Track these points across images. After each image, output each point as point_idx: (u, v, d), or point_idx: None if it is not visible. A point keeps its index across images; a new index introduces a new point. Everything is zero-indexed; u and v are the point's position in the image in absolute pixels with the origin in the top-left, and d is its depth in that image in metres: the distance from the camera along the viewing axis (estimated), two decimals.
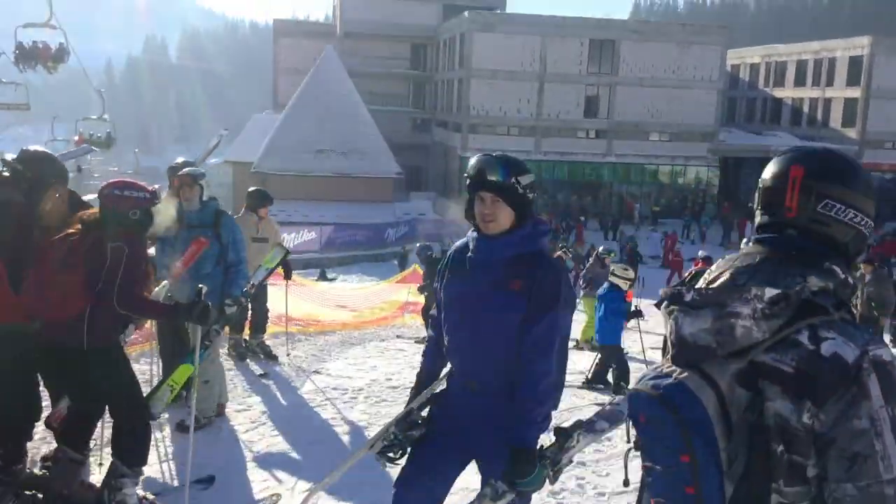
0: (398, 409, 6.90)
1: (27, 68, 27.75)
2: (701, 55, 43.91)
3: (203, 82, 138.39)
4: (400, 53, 51.74)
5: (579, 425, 3.02)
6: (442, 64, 48.89)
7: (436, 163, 49.49)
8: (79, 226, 4.23)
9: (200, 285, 4.57)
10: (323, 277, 25.81)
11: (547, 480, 2.92)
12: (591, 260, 12.99)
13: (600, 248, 13.12)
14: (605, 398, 8.12)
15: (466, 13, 43.65)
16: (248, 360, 8.14)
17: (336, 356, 9.26)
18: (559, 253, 12.00)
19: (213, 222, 5.77)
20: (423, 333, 11.39)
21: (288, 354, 8.72)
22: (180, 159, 6.54)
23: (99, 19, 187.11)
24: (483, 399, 2.96)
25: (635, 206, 42.50)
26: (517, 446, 2.82)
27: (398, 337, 11.39)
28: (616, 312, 8.91)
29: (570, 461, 3.02)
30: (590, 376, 9.02)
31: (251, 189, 8.68)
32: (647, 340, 9.81)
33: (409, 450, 3.13)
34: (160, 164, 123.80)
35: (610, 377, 8.93)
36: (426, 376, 3.25)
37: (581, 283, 12.90)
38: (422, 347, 9.79)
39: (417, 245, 12.36)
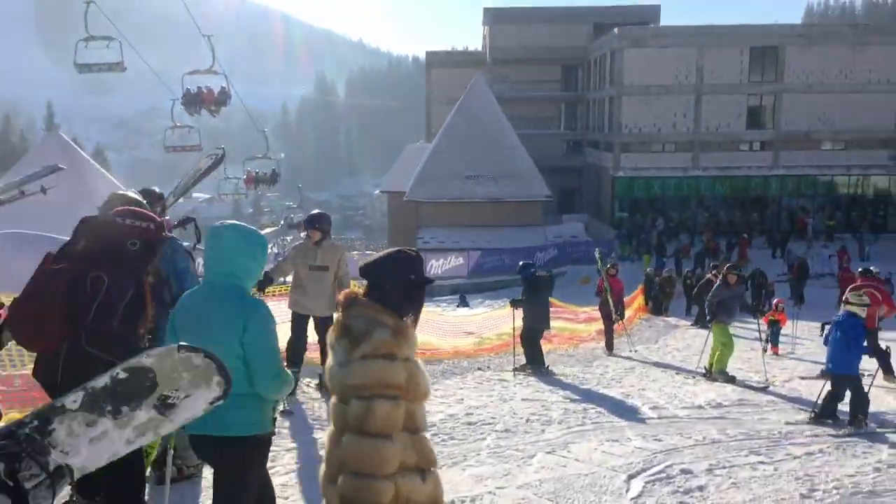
0: (464, 448, 6.37)
1: (194, 112, 29.47)
2: (878, 56, 40.29)
3: (370, 118, 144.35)
4: (550, 76, 51.21)
5: None
6: (593, 83, 47.84)
7: (588, 184, 48.35)
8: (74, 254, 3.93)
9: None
10: (463, 303, 25.55)
11: None
12: (717, 281, 11.83)
13: (726, 267, 11.96)
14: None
15: (616, 30, 42.49)
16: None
17: None
18: (726, 273, 10.96)
19: None
20: (522, 362, 10.74)
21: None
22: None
23: (274, 65, 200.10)
24: None
25: (808, 221, 39.37)
26: None
27: (504, 370, 10.76)
28: (857, 340, 8.04)
29: None
30: (817, 410, 8.22)
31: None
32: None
33: None
34: (331, 197, 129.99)
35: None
36: None
37: (707, 308, 11.80)
38: (522, 378, 9.04)
39: (520, 263, 11.75)
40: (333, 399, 3.00)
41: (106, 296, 3.68)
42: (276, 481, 5.21)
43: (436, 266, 34.55)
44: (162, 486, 4.87)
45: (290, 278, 7.97)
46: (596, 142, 46.86)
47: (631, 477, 5.80)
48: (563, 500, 5.28)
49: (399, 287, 2.99)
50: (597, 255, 15.08)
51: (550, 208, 43.54)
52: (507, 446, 6.49)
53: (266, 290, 7.75)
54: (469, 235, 39.68)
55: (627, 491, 5.51)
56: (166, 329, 3.71)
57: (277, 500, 4.32)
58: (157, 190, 5.37)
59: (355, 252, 38.97)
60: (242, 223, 3.85)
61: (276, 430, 6.55)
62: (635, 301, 21.87)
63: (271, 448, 5.84)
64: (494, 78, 48.99)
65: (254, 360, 3.37)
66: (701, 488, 5.60)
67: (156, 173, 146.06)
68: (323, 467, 2.99)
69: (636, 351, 13.98)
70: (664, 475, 5.87)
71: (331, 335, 3.07)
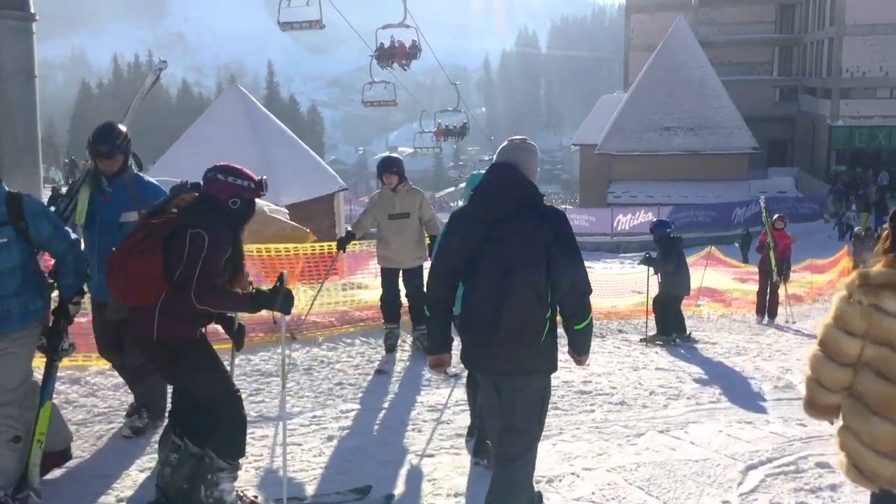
0: (565, 420, 5.79)
1: (386, 66, 29.94)
2: None
3: (572, 69, 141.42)
4: (764, 17, 47.01)
5: None
6: (811, 23, 43.37)
7: (802, 135, 44.21)
8: (174, 210, 3.99)
9: (283, 271, 4.18)
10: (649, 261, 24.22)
11: None
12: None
13: None
14: None
15: None
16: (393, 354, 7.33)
17: None
18: None
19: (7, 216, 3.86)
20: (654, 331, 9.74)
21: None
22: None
23: (477, 20, 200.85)
24: None
25: None
26: None
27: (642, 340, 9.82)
28: None
29: None
30: None
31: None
32: None
33: None
34: None
35: None
36: None
37: None
38: (647, 349, 7.75)
39: (654, 220, 10.48)
40: None
41: (209, 253, 3.72)
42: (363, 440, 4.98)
43: (623, 222, 33.25)
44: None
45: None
46: (812, 88, 42.63)
47: (751, 467, 4.96)
48: (657, 488, 4.60)
49: None
50: (762, 203, 13.47)
51: (758, 162, 40.39)
52: (615, 421, 5.84)
53: (345, 248, 7.43)
54: (664, 190, 37.79)
55: (740, 484, 4.72)
56: None
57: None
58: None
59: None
60: None
61: (368, 389, 6.37)
62: (839, 263, 19.71)
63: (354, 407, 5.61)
64: (700, 20, 45.83)
65: None
66: (834, 487, 4.67)
67: (364, 127, 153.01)
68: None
69: (794, 322, 12.42)
70: (793, 468, 4.97)
71: None
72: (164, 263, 3.78)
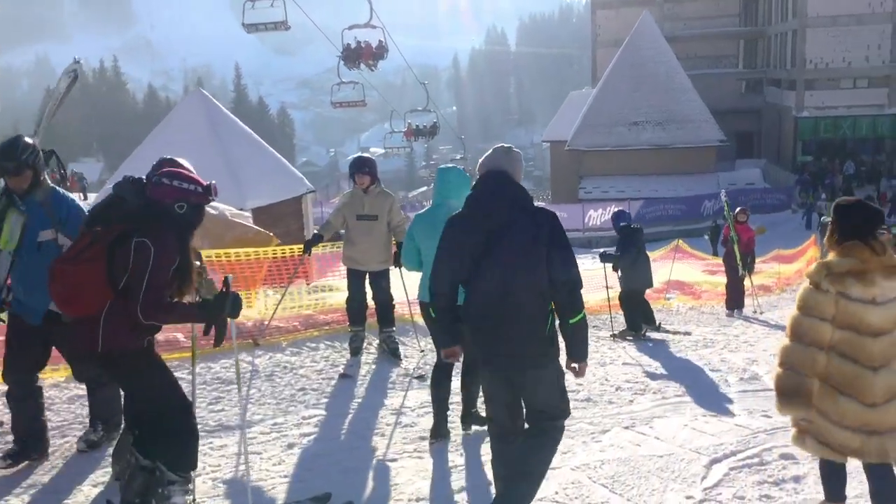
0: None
1: (353, 67, 29.68)
2: None
3: (541, 66, 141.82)
4: (727, 10, 47.51)
5: None
6: (775, 16, 43.84)
7: (768, 127, 44.70)
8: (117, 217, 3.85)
9: (227, 275, 4.05)
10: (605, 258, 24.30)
11: None
12: None
13: None
14: None
15: None
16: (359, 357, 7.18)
17: None
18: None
19: None
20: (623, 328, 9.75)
21: (422, 351, 7.64)
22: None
23: (444, 19, 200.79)
24: None
25: None
26: None
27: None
28: None
29: None
30: None
31: None
32: None
33: None
34: None
35: None
36: None
37: None
38: (615, 344, 7.86)
39: (614, 211, 10.42)
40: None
41: (155, 264, 3.56)
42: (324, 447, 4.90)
43: (594, 217, 33.38)
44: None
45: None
46: (777, 80, 43.12)
47: (714, 461, 4.95)
48: (621, 486, 4.57)
49: None
50: (723, 198, 13.54)
51: (726, 154, 40.75)
52: (580, 418, 5.79)
53: (311, 251, 7.26)
54: (634, 184, 38.01)
55: (703, 479, 4.69)
56: None
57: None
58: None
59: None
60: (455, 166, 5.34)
61: (332, 394, 6.27)
62: (806, 252, 19.88)
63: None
64: (665, 15, 46.20)
65: None
66: (798, 479, 4.66)
67: (335, 128, 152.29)
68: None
69: (761, 313, 12.51)
70: (757, 460, 4.97)
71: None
72: (108, 271, 3.66)
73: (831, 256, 3.46)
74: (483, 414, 4.69)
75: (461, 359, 4.29)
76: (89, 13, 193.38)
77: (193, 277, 3.92)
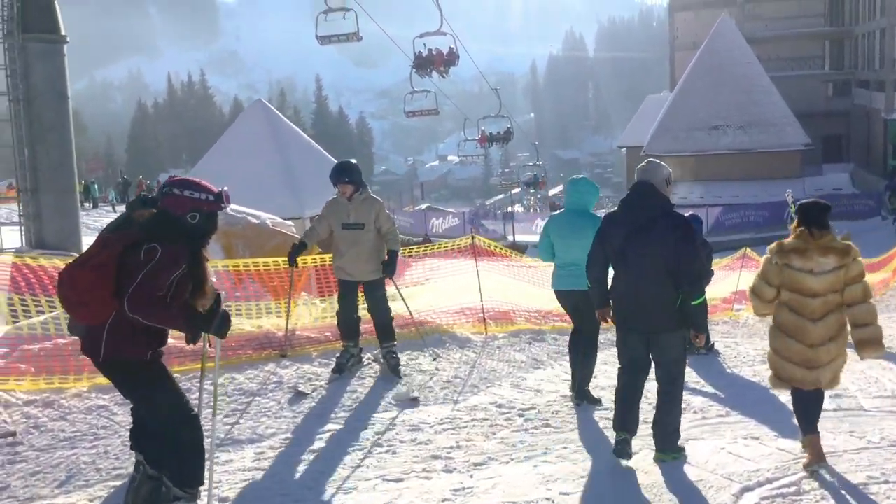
0: (551, 439, 5.44)
1: (424, 75, 29.68)
2: None
3: (620, 71, 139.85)
4: (812, 9, 45.69)
5: None
6: (862, 15, 41.88)
7: (857, 130, 42.68)
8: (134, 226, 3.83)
9: (220, 292, 3.96)
10: None
11: None
12: None
13: None
14: None
15: None
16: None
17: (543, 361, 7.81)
18: None
19: None
20: None
21: (434, 359, 7.38)
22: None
23: (522, 25, 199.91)
24: None
25: None
26: None
27: None
28: None
29: None
30: None
31: None
32: None
33: None
34: (580, 154, 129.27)
35: None
36: None
37: None
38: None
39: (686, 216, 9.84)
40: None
41: (154, 265, 3.56)
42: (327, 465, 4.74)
43: None
44: None
45: None
46: (866, 81, 41.14)
47: (746, 489, 4.53)
48: None
49: None
50: (788, 198, 12.80)
51: (812, 158, 39.11)
52: (610, 438, 5.45)
53: (296, 262, 6.72)
54: (714, 190, 36.87)
55: None
56: None
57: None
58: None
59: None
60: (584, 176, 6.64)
61: (349, 409, 6.03)
62: (893, 262, 18.71)
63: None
64: (745, 16, 44.80)
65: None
66: None
67: (414, 137, 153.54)
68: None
69: None
70: (793, 489, 4.51)
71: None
72: (116, 278, 3.61)
73: (790, 238, 4.63)
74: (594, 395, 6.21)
75: (608, 321, 5.09)
76: (177, 27, 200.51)
77: (207, 288, 3.84)
